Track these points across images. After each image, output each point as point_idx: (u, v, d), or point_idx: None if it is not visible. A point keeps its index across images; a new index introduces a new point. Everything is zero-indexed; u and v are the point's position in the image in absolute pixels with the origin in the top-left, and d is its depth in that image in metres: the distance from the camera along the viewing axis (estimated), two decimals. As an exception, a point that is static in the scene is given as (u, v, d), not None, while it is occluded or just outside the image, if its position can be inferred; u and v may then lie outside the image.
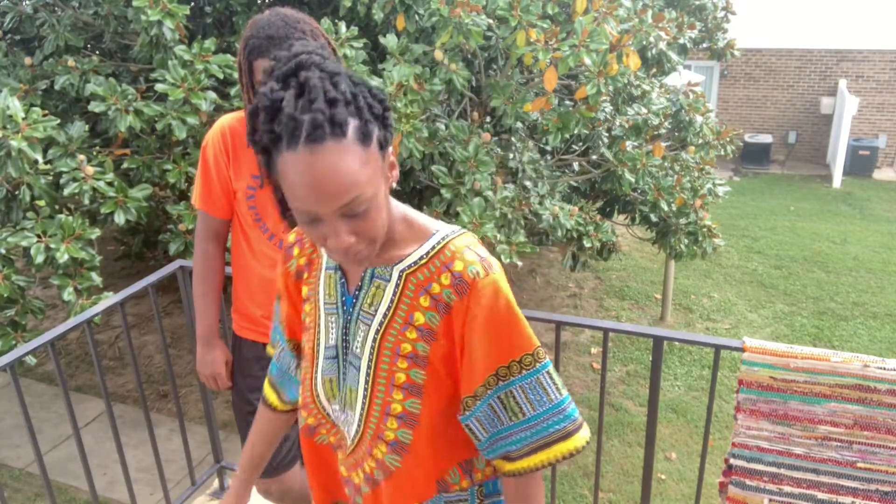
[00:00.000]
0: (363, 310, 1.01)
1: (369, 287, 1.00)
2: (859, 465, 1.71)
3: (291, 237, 1.15)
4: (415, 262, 0.98)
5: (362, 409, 1.02)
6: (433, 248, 0.98)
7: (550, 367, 0.99)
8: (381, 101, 0.86)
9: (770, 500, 1.83)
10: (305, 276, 1.11)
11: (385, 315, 0.99)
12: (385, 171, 0.89)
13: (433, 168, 3.37)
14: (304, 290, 1.10)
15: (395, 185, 0.93)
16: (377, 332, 0.99)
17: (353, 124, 0.81)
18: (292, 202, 0.83)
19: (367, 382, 1.01)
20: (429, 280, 0.96)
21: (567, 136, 3.61)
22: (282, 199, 0.94)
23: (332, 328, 1.05)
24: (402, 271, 0.98)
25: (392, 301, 0.98)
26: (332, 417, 1.09)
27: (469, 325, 0.94)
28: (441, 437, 1.02)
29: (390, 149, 0.91)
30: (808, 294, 6.12)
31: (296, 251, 1.13)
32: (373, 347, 1.00)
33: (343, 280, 1.03)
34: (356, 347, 1.02)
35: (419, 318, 0.97)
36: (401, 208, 1.01)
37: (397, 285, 0.98)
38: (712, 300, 6.01)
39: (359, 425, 1.03)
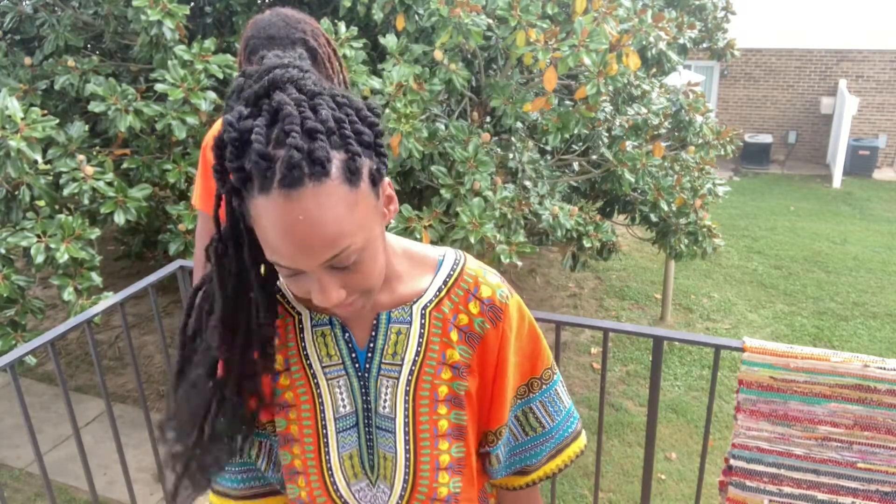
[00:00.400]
0: (385, 362, 0.87)
1: (387, 335, 0.87)
2: (859, 465, 1.71)
3: None
4: (435, 296, 0.88)
5: (407, 473, 0.88)
6: (450, 276, 0.89)
7: (560, 374, 0.96)
8: (372, 126, 0.73)
9: (770, 501, 1.83)
10: (278, 340, 0.90)
11: (415, 362, 0.87)
12: (380, 208, 0.76)
13: (433, 168, 3.37)
14: (280, 359, 0.90)
15: (392, 221, 0.82)
16: (408, 382, 0.87)
17: (337, 160, 0.68)
18: (268, 254, 0.71)
19: (408, 443, 0.87)
20: (455, 312, 0.88)
21: (567, 136, 3.61)
22: (257, 244, 0.78)
23: (342, 394, 0.89)
24: (423, 308, 0.87)
25: (420, 344, 0.87)
26: (356, 500, 0.91)
27: (503, 350, 0.88)
28: (478, 475, 0.95)
29: (386, 180, 0.78)
30: (808, 294, 6.12)
31: None
32: (407, 402, 0.87)
33: (348, 334, 0.88)
34: (384, 407, 0.88)
35: (452, 355, 0.87)
36: (398, 242, 0.90)
37: (422, 325, 0.87)
38: (712, 300, 6.01)
39: (403, 493, 0.89)
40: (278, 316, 0.89)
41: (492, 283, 0.89)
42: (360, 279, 0.74)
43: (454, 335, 0.87)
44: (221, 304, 0.82)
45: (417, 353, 0.87)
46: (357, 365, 0.88)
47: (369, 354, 0.88)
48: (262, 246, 0.72)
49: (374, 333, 0.88)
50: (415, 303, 0.88)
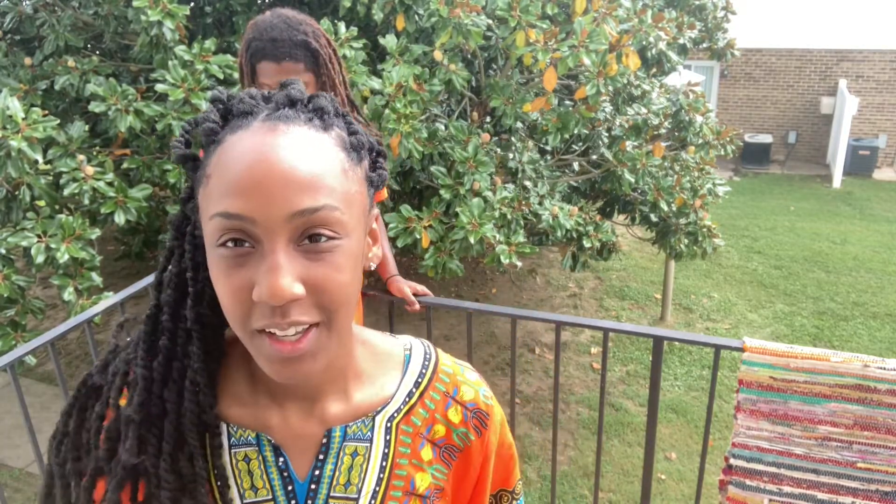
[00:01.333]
0: (333, 496, 0.66)
1: (339, 458, 0.66)
2: (859, 465, 1.71)
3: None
4: (404, 403, 0.70)
5: None
6: (422, 375, 0.72)
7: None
8: (379, 150, 0.66)
9: (770, 501, 1.83)
10: None
11: (375, 494, 0.66)
12: (367, 222, 0.63)
13: (432, 168, 3.37)
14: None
15: (373, 266, 0.66)
16: None
17: (338, 129, 0.60)
18: (214, 205, 0.54)
19: None
20: (429, 423, 0.70)
21: (567, 136, 3.61)
22: (190, 243, 0.63)
23: None
24: (389, 421, 0.69)
25: (383, 469, 0.67)
26: None
27: (486, 465, 0.74)
28: None
29: (376, 211, 0.67)
30: (808, 294, 6.12)
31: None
32: None
33: (282, 459, 0.66)
34: None
35: (423, 480, 0.69)
36: (358, 331, 0.72)
37: (386, 443, 0.68)
38: (712, 300, 6.01)
39: None
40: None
41: (472, 381, 0.74)
42: (325, 277, 0.56)
43: (427, 452, 0.69)
44: (145, 365, 0.63)
45: (379, 482, 0.67)
46: (294, 502, 0.66)
47: (313, 486, 0.66)
48: (208, 203, 0.55)
49: (321, 457, 0.66)
50: (378, 413, 0.68)
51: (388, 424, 0.68)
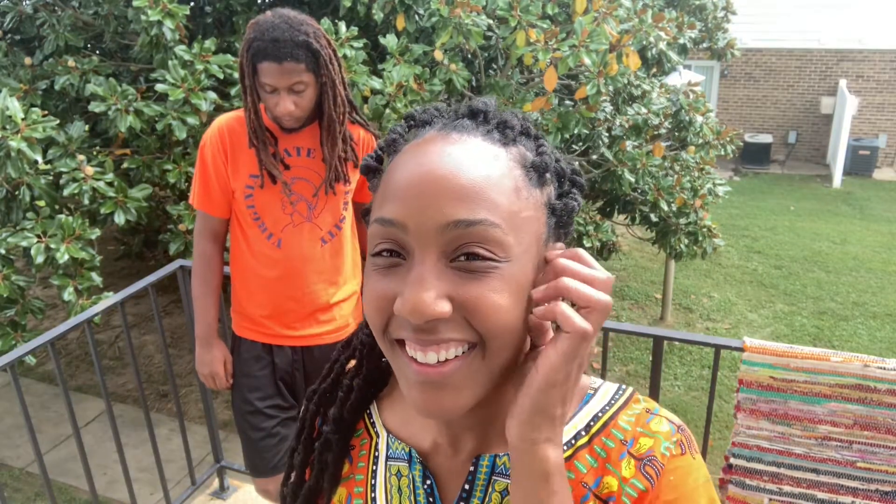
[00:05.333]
0: None
1: (487, 493, 0.60)
2: (859, 464, 1.71)
3: None
4: (569, 445, 0.60)
5: None
6: (599, 416, 0.61)
7: None
8: (575, 181, 0.60)
9: (770, 500, 1.83)
10: (346, 466, 0.68)
11: None
12: (539, 252, 0.55)
13: (433, 168, 3.37)
14: (340, 494, 0.67)
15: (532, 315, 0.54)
16: None
17: (522, 148, 0.56)
18: (375, 211, 0.53)
19: None
20: (598, 473, 0.59)
21: (567, 135, 3.61)
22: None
23: None
24: None
25: None
26: None
27: None
28: None
29: (561, 245, 0.59)
30: (808, 294, 6.12)
31: None
32: None
33: (429, 482, 0.62)
34: None
35: None
36: None
37: None
38: (712, 300, 6.00)
39: None
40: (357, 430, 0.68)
41: (660, 431, 0.60)
42: (479, 296, 0.50)
43: None
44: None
45: None
46: None
47: None
48: (374, 210, 0.55)
49: (466, 487, 0.60)
50: None
51: None
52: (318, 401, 0.69)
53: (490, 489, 0.60)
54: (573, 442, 0.60)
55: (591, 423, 0.61)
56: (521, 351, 0.56)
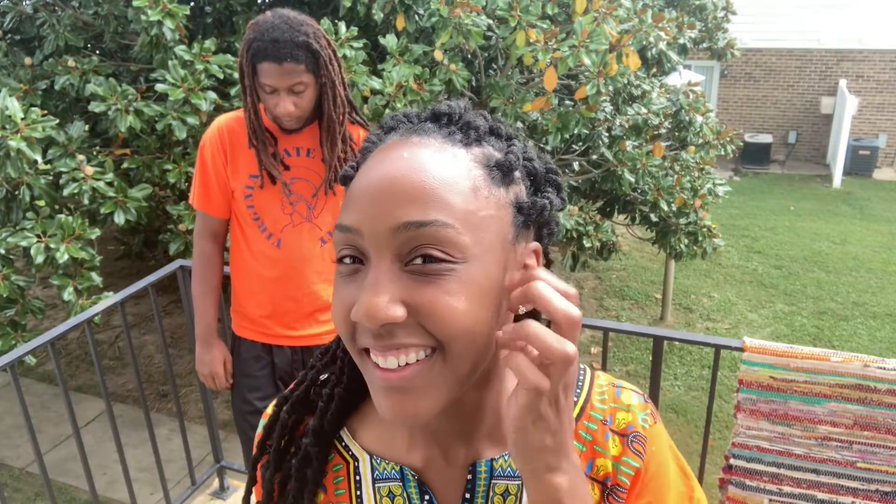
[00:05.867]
0: None
1: (489, 497, 0.60)
2: (859, 465, 1.71)
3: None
4: None
5: None
6: (574, 403, 0.59)
7: None
8: (551, 180, 0.59)
9: (770, 500, 1.83)
10: (321, 496, 0.66)
11: None
12: (506, 253, 0.54)
13: (433, 168, 3.37)
14: None
15: (522, 310, 0.55)
16: None
17: (488, 147, 0.55)
18: (339, 217, 0.54)
19: None
20: (589, 456, 0.62)
21: (567, 136, 3.61)
22: None
23: None
24: None
25: None
26: None
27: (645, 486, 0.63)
28: None
29: (534, 245, 0.58)
30: (808, 294, 6.12)
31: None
32: None
33: (428, 497, 0.61)
34: None
35: None
36: None
37: None
38: (712, 300, 6.00)
39: None
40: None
41: (633, 404, 0.64)
42: (433, 300, 0.49)
43: (592, 492, 0.60)
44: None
45: None
46: None
47: None
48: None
49: (467, 496, 0.60)
50: None
51: None
52: (290, 409, 0.66)
53: (491, 493, 0.60)
54: None
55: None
56: (492, 352, 0.55)
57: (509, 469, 0.60)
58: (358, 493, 0.63)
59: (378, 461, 0.63)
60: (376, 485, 0.62)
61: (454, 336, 0.50)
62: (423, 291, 0.49)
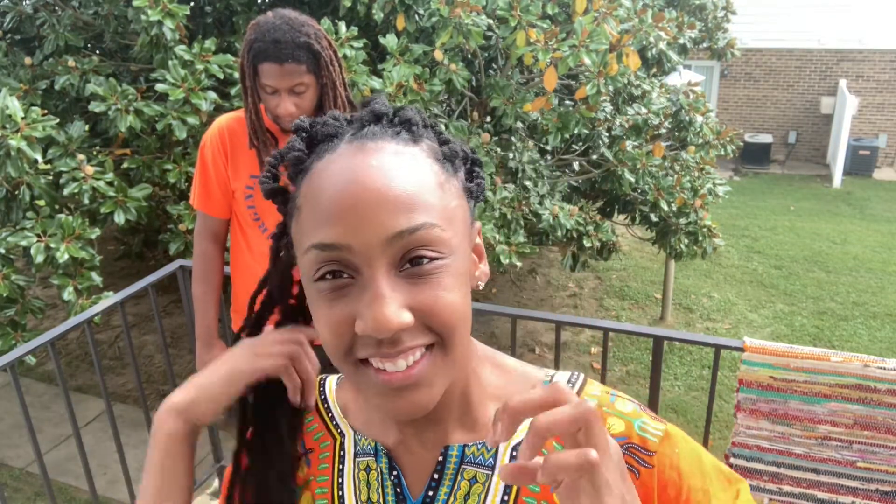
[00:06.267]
0: None
1: (456, 481, 0.61)
2: (859, 464, 1.71)
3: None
4: None
5: None
6: None
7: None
8: (473, 159, 0.61)
9: (770, 500, 1.83)
10: (304, 470, 0.68)
11: None
12: (471, 237, 0.58)
13: (433, 168, 3.37)
14: (306, 499, 0.67)
15: (481, 285, 0.60)
16: None
17: (428, 141, 0.56)
18: (308, 237, 0.52)
19: None
20: None
21: (567, 135, 3.61)
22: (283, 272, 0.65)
23: None
24: (515, 448, 0.60)
25: (505, 500, 0.59)
26: None
27: None
28: None
29: (478, 224, 0.61)
30: (808, 294, 6.12)
31: None
32: None
33: (396, 474, 0.63)
34: None
35: None
36: (483, 348, 0.66)
37: None
38: (712, 300, 6.00)
39: None
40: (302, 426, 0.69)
41: (625, 412, 0.61)
42: (434, 299, 0.51)
43: None
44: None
45: None
46: None
47: None
48: (302, 236, 0.53)
49: (436, 476, 0.61)
50: None
51: (514, 453, 0.59)
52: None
53: (459, 477, 0.61)
54: None
55: None
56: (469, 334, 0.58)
57: (481, 457, 0.61)
58: (340, 466, 0.65)
59: (360, 437, 0.65)
60: (357, 459, 0.65)
61: (455, 327, 0.52)
62: (423, 292, 0.50)
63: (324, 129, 0.55)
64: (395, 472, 0.62)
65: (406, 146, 0.53)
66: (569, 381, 0.64)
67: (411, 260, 0.50)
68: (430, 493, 0.61)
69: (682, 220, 4.28)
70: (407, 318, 0.49)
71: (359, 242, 0.49)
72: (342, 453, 0.65)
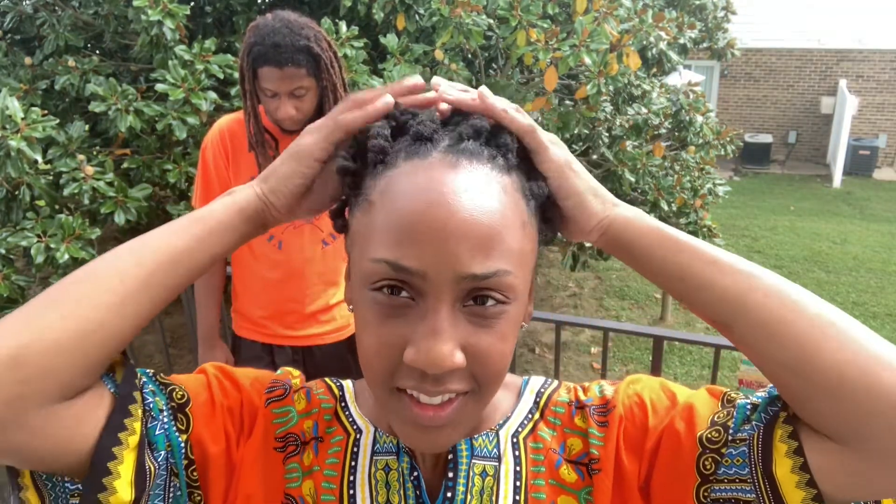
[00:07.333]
0: None
1: (469, 477, 0.60)
2: (860, 465, 1.70)
3: (296, 379, 0.68)
4: (528, 419, 0.63)
5: None
6: (540, 395, 0.65)
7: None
8: (550, 197, 0.57)
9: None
10: (310, 456, 0.63)
11: None
12: (532, 280, 0.58)
13: (433, 168, 3.37)
14: (308, 486, 0.62)
15: (525, 325, 0.58)
16: None
17: (519, 173, 0.54)
18: (379, 248, 0.49)
19: None
20: (561, 438, 0.63)
21: (567, 135, 3.61)
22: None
23: None
24: (514, 436, 0.62)
25: (519, 491, 0.60)
26: None
27: (630, 426, 0.61)
28: None
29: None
30: (808, 294, 6.13)
31: (297, 401, 0.65)
32: None
33: (416, 475, 0.61)
34: None
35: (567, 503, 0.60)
36: None
37: (517, 460, 0.61)
38: (712, 300, 6.00)
39: None
40: None
41: (592, 387, 0.65)
42: (489, 347, 0.50)
43: (568, 473, 0.61)
44: None
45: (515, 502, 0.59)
46: None
47: None
48: (369, 239, 0.50)
49: (450, 475, 0.60)
50: (500, 427, 0.62)
51: (514, 440, 0.61)
52: None
53: (471, 472, 0.60)
54: (530, 416, 0.63)
55: (538, 400, 0.65)
56: None
57: (486, 449, 0.61)
58: (353, 463, 0.62)
59: (381, 434, 0.63)
60: (374, 457, 0.62)
61: (498, 377, 0.53)
62: (480, 337, 0.50)
63: (419, 127, 0.53)
64: (415, 473, 0.61)
65: (500, 175, 0.52)
66: (544, 380, 0.67)
67: (476, 298, 0.49)
68: (449, 493, 0.60)
69: (683, 220, 4.28)
70: (460, 359, 0.48)
71: (435, 273, 0.48)
72: (356, 450, 0.63)
